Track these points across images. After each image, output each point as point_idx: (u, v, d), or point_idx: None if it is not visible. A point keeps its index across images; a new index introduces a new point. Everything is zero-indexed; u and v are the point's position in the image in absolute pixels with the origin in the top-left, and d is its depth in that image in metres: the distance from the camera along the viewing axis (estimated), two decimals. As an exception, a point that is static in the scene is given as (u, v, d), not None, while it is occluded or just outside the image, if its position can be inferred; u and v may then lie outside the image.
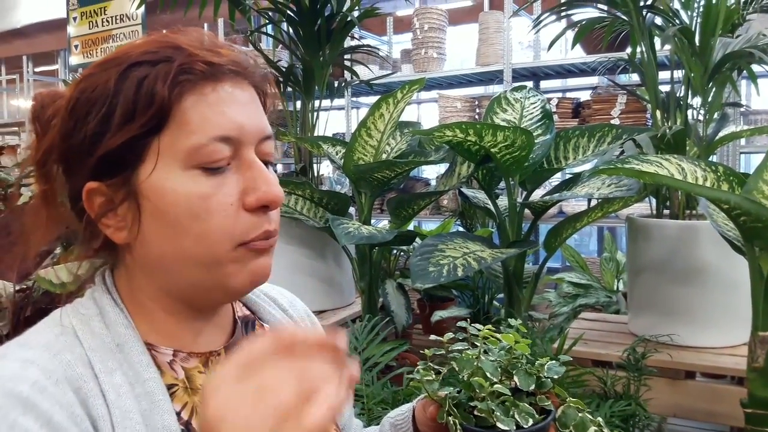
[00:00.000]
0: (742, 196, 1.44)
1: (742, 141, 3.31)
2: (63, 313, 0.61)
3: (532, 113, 2.18)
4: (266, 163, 0.62)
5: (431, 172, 5.35)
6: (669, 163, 1.52)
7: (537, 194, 2.21)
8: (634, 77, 3.57)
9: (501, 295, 2.48)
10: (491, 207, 2.14)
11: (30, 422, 0.50)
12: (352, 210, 2.51)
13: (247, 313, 0.75)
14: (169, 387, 0.59)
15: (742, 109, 3.38)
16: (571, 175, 2.21)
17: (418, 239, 2.34)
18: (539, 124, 2.11)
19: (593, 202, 2.07)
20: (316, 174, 2.74)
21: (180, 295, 0.62)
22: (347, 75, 3.00)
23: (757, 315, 1.44)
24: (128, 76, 0.57)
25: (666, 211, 2.09)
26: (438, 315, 2.73)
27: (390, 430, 0.80)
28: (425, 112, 5.99)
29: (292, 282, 2.44)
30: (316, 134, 2.71)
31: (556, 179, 2.91)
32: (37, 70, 7.43)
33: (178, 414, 0.58)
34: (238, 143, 0.59)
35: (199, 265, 0.59)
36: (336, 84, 2.87)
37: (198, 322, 0.65)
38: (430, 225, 4.34)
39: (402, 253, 3.08)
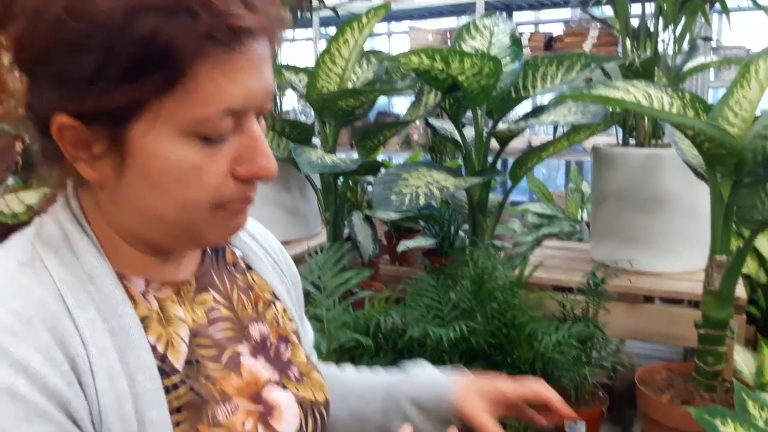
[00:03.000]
0: (707, 122, 1.44)
1: (711, 76, 3.32)
2: (25, 238, 0.55)
3: (501, 41, 2.13)
4: (262, 117, 0.56)
5: (401, 107, 5.28)
6: (636, 89, 1.50)
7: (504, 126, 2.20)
8: (608, 11, 3.51)
9: (467, 226, 2.49)
10: (458, 137, 2.11)
11: (3, 372, 0.46)
12: (317, 141, 2.46)
13: None
14: (143, 319, 0.56)
15: (713, 44, 3.36)
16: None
17: (383, 169, 2.31)
18: (508, 51, 2.07)
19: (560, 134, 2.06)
20: (278, 104, 2.67)
21: (150, 239, 0.58)
22: (315, 2, 2.89)
23: (716, 239, 1.46)
24: (138, 19, 0.47)
25: (632, 141, 2.09)
26: (404, 245, 2.75)
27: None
28: (396, 45, 5.87)
29: (257, 213, 2.41)
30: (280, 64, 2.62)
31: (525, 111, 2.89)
32: None
33: (154, 347, 0.56)
34: (243, 110, 0.53)
35: (175, 224, 0.55)
36: (300, 12, 2.76)
37: (167, 253, 0.61)
38: (400, 159, 4.31)
39: (369, 186, 3.05)
